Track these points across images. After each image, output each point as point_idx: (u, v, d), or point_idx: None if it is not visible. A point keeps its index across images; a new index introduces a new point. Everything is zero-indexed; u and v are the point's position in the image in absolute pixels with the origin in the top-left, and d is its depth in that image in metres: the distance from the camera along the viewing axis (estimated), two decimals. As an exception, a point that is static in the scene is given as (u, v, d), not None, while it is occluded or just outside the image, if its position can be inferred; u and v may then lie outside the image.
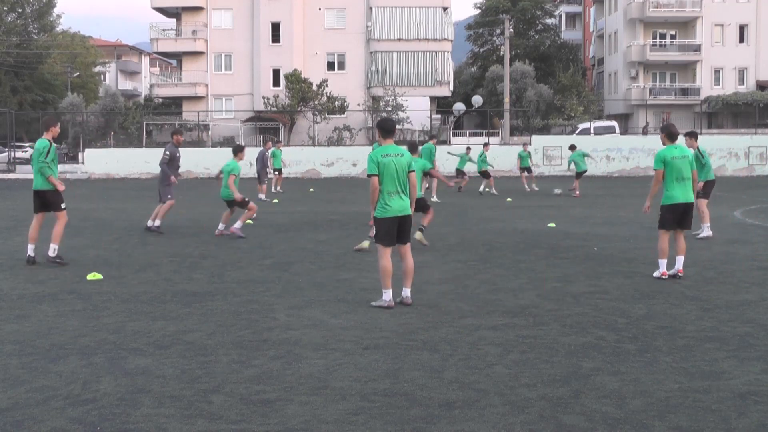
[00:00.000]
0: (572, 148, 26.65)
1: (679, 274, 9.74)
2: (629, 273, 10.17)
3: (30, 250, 10.99)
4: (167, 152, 15.05)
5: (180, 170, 15.66)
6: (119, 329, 7.18)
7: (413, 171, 8.10)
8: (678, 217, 9.78)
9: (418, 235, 12.58)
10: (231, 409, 5.03)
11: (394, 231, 7.98)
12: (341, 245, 13.04)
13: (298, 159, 41.59)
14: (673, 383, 5.53)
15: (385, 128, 8.21)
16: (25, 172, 45.19)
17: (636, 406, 5.05)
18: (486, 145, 28.69)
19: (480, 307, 8.08)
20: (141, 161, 42.09)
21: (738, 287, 9.19)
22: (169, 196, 15.03)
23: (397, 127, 50.42)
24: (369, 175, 7.94)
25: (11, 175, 43.32)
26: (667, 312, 7.84)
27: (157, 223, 15.09)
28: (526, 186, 28.44)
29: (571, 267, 10.69)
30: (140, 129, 50.10)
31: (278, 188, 27.81)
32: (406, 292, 8.17)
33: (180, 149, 15.38)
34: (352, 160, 41.45)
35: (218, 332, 7.04)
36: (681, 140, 10.64)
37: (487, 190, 26.72)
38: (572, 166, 26.38)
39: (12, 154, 47.91)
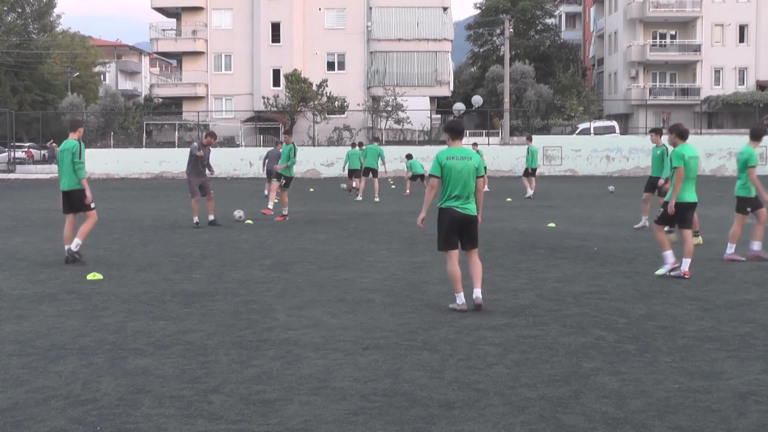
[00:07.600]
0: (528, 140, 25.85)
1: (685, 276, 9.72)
2: (629, 273, 10.16)
3: (66, 251, 11.15)
4: (191, 150, 15.98)
5: (208, 169, 16.22)
6: (119, 329, 7.17)
7: (481, 176, 7.89)
8: (682, 216, 9.89)
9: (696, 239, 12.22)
10: (231, 409, 5.03)
11: (455, 235, 7.90)
12: (341, 245, 13.03)
13: (298, 159, 41.53)
14: (673, 383, 5.53)
15: (456, 130, 8.03)
16: (24, 172, 45.24)
17: (636, 406, 5.05)
18: (474, 144, 28.29)
19: (480, 307, 8.07)
20: (141, 161, 42.10)
21: (738, 287, 9.19)
22: (191, 194, 16.08)
23: (397, 127, 50.75)
24: (431, 175, 7.89)
25: (11, 175, 43.32)
26: (667, 312, 7.83)
27: (211, 217, 16.19)
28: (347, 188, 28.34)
29: (571, 267, 10.69)
30: (140, 129, 50.15)
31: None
32: (476, 293, 7.92)
33: (207, 149, 15.98)
34: (352, 160, 41.35)
35: (218, 332, 7.04)
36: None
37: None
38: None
39: (12, 154, 47.91)
